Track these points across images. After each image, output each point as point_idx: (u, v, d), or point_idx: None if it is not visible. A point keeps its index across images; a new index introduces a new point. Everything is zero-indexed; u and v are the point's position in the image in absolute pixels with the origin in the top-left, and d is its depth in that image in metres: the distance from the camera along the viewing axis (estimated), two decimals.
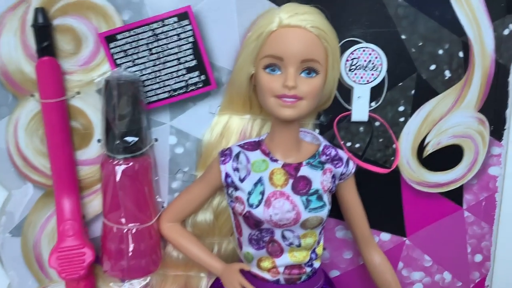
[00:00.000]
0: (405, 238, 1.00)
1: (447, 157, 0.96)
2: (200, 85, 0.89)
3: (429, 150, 0.95)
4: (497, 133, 0.94)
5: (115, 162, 0.86)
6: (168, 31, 0.86)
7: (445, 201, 0.98)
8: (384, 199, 0.97)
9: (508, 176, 0.97)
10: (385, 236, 1.00)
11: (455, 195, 0.98)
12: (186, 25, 0.86)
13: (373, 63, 0.88)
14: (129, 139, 0.85)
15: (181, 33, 0.86)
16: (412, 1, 0.87)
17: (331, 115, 0.92)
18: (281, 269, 0.85)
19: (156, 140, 0.92)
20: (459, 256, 1.02)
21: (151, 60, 0.88)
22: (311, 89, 0.78)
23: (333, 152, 0.86)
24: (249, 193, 0.82)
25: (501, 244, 1.02)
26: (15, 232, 0.94)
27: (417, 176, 0.96)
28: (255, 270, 0.87)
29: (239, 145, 0.86)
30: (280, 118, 0.79)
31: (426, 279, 1.03)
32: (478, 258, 1.02)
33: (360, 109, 0.91)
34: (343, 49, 0.88)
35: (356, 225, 0.92)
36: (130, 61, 0.87)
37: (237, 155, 0.85)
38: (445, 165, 0.96)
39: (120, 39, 0.86)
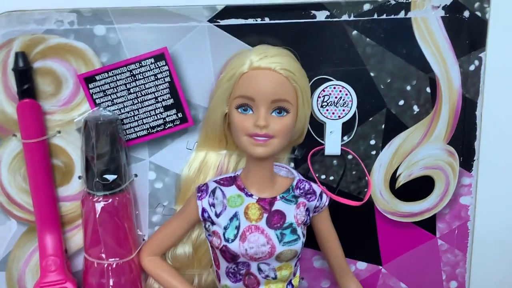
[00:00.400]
0: (381, 267, 1.02)
1: (419, 188, 0.98)
2: (178, 122, 0.92)
3: (401, 181, 0.97)
4: (466, 164, 0.97)
5: (95, 199, 0.87)
6: (146, 71, 0.89)
7: (418, 230, 1.00)
8: (359, 229, 0.99)
9: (479, 205, 1.00)
10: (361, 265, 1.01)
11: (428, 224, 1.00)
12: (163, 65, 0.88)
13: (343, 100, 0.91)
14: (108, 177, 0.87)
15: (158, 73, 0.89)
16: (380, 40, 0.90)
17: (305, 149, 0.94)
18: None
19: (136, 175, 0.94)
20: (434, 283, 1.03)
21: (129, 100, 0.90)
22: (282, 127, 0.80)
23: (306, 186, 0.88)
24: (225, 228, 0.84)
25: (475, 271, 1.03)
26: (0, 266, 0.96)
27: (391, 207, 0.98)
28: None
29: (215, 181, 0.88)
30: (253, 156, 0.82)
31: None
32: (453, 285, 1.03)
33: (333, 143, 0.93)
34: (315, 86, 0.90)
35: (331, 255, 0.94)
36: (109, 100, 0.90)
37: (213, 191, 0.87)
38: (418, 195, 0.98)
39: (99, 80, 0.89)
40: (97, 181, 0.87)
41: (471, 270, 1.03)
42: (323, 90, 0.90)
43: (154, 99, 0.91)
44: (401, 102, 0.93)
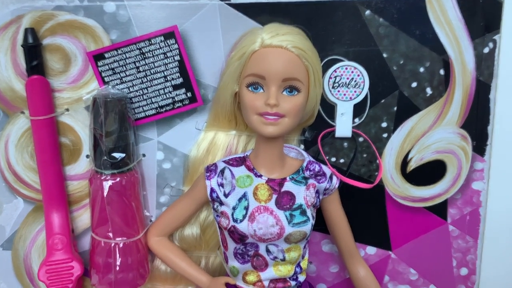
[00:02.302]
0: (390, 252, 1.01)
1: (431, 172, 0.96)
2: (187, 102, 0.91)
3: (412, 165, 0.96)
4: (479, 148, 0.96)
5: (103, 177, 0.87)
6: (155, 49, 0.88)
7: (429, 215, 0.99)
8: (370, 214, 0.98)
9: (491, 190, 0.98)
10: (371, 250, 1.00)
11: (440, 210, 0.99)
12: (173, 44, 0.88)
13: (355, 81, 0.90)
14: (117, 155, 0.87)
15: (167, 51, 0.88)
16: (393, 21, 0.89)
17: (316, 131, 0.93)
18: (266, 283, 0.87)
19: (144, 155, 0.94)
20: (444, 269, 1.02)
21: (138, 78, 0.90)
22: (293, 106, 0.80)
23: (316, 168, 0.88)
24: (234, 208, 0.84)
25: (486, 258, 1.02)
26: (6, 245, 0.96)
27: (402, 191, 0.97)
28: (240, 283, 0.88)
29: (224, 161, 0.88)
30: (263, 135, 0.81)
31: None
32: (464, 271, 1.02)
33: (344, 125, 0.92)
34: (326, 67, 0.89)
35: (341, 239, 0.94)
36: (118, 78, 0.90)
37: (222, 171, 0.86)
38: (429, 180, 0.97)
39: (108, 58, 0.88)
40: (105, 159, 0.86)
41: (482, 256, 1.02)
42: (335, 71, 0.89)
43: (163, 78, 0.90)
44: (414, 84, 0.92)
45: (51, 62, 0.88)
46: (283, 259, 0.86)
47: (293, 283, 0.88)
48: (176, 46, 0.88)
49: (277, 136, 0.81)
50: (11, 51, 0.88)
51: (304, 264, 0.90)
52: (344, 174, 0.95)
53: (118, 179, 0.87)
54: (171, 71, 0.90)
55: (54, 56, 0.88)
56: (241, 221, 0.83)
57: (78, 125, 0.91)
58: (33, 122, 0.87)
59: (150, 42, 0.88)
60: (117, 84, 0.90)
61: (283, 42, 0.78)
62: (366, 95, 0.91)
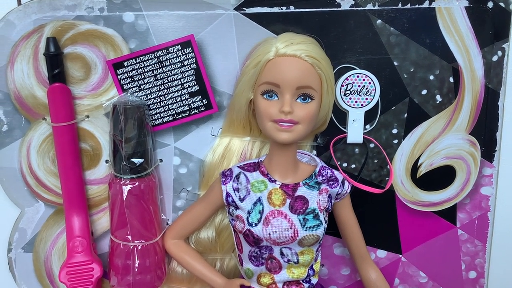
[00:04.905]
0: (401, 255, 1.03)
1: (440, 177, 0.98)
2: (203, 109, 0.94)
3: (422, 170, 0.98)
4: (488, 154, 0.97)
5: (122, 182, 0.90)
6: (172, 58, 0.91)
7: (439, 219, 1.01)
8: (380, 218, 1.00)
9: (500, 196, 1.00)
10: (382, 253, 1.03)
11: (449, 214, 1.01)
12: (189, 52, 0.90)
13: (366, 88, 0.92)
14: (135, 160, 0.89)
15: (184, 60, 0.91)
16: (404, 30, 0.91)
17: (328, 137, 0.95)
18: (280, 285, 0.89)
19: (161, 160, 0.96)
20: (453, 272, 1.04)
21: (156, 86, 0.92)
22: (307, 114, 0.82)
23: (329, 173, 0.90)
24: (249, 212, 0.86)
25: (494, 261, 1.04)
26: (27, 248, 0.98)
27: (412, 196, 0.99)
28: (255, 285, 0.90)
29: (239, 166, 0.90)
30: (277, 142, 0.83)
31: None
32: (473, 274, 1.04)
33: (355, 131, 0.94)
34: (338, 75, 0.91)
35: (352, 242, 0.96)
36: (136, 86, 0.92)
37: (238, 176, 0.89)
38: (438, 185, 0.99)
39: (127, 66, 0.91)
40: (125, 164, 0.89)
41: (491, 260, 1.04)
42: (347, 79, 0.92)
43: (180, 86, 0.92)
44: (424, 92, 0.94)
45: (72, 70, 0.91)
46: (297, 262, 0.88)
47: (306, 285, 0.90)
48: (192, 54, 0.91)
49: (291, 143, 0.84)
50: (33, 60, 0.90)
51: (316, 266, 0.92)
52: (356, 179, 0.97)
53: (136, 183, 0.90)
54: (187, 79, 0.92)
55: (75, 65, 0.91)
56: (256, 224, 0.85)
57: (98, 131, 0.94)
58: (54, 128, 0.90)
59: (168, 51, 0.90)
60: (135, 92, 0.92)
61: (297, 51, 0.80)
62: (377, 102, 0.93)
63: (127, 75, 0.91)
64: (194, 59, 0.91)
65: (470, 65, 0.93)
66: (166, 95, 0.93)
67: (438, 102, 0.95)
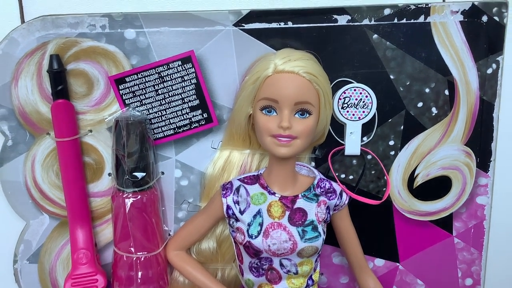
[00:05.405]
0: (398, 264, 1.04)
1: (437, 187, 1.00)
2: (203, 123, 0.95)
3: (419, 181, 1.00)
4: (483, 164, 0.99)
5: (125, 195, 0.91)
6: (173, 73, 0.92)
7: (435, 228, 1.02)
8: (378, 227, 1.02)
9: (495, 205, 1.02)
10: (379, 262, 1.04)
11: (445, 223, 1.02)
12: (189, 68, 0.92)
13: (363, 101, 0.94)
14: (138, 174, 0.91)
15: (184, 75, 0.93)
16: (400, 44, 0.92)
17: (326, 149, 0.97)
18: None
19: (162, 173, 0.98)
20: (450, 280, 1.06)
21: (157, 100, 0.94)
22: (305, 128, 0.83)
23: (327, 185, 0.91)
24: (249, 225, 0.88)
25: (490, 269, 1.06)
26: (32, 259, 1.00)
27: (408, 206, 1.01)
28: None
29: (239, 179, 0.92)
30: (276, 156, 0.85)
31: None
32: (469, 282, 1.06)
33: (353, 143, 0.96)
34: (336, 88, 0.93)
35: (350, 252, 0.97)
36: (138, 101, 0.94)
37: (238, 189, 0.90)
38: (435, 195, 1.01)
39: (129, 81, 0.93)
40: (127, 178, 0.91)
41: (487, 268, 1.06)
42: (344, 92, 0.93)
43: (180, 100, 0.94)
44: (420, 104, 0.96)
45: (75, 86, 0.92)
46: (296, 273, 0.89)
47: None
48: (192, 70, 0.92)
49: (289, 157, 0.85)
50: (37, 76, 0.92)
51: (315, 276, 0.93)
52: (353, 190, 0.98)
53: (139, 196, 0.91)
54: (188, 94, 0.94)
55: (78, 81, 0.92)
56: (256, 236, 0.87)
57: (101, 145, 0.96)
58: (58, 143, 0.92)
59: (168, 67, 0.92)
60: (137, 106, 0.94)
61: (295, 68, 0.82)
62: (374, 115, 0.95)
63: (129, 90, 0.93)
64: (194, 74, 0.93)
65: (465, 78, 0.95)
66: (167, 110, 0.95)
67: (434, 114, 0.96)
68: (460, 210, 1.02)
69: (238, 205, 0.89)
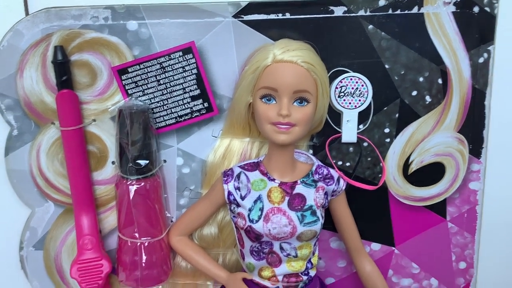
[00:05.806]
0: (394, 248, 1.07)
1: (431, 173, 1.02)
2: (204, 112, 0.97)
3: (413, 167, 1.02)
4: (476, 151, 1.02)
5: (129, 182, 0.94)
6: (174, 64, 0.94)
7: (430, 213, 1.05)
8: (374, 213, 1.04)
9: (487, 190, 1.04)
10: (376, 246, 1.07)
11: (439, 208, 1.05)
12: (190, 58, 0.94)
13: (359, 90, 0.96)
14: (141, 162, 0.93)
15: (185, 65, 0.95)
16: (394, 34, 0.95)
17: (323, 137, 0.99)
18: (280, 278, 0.93)
19: (165, 161, 1.00)
20: (444, 263, 1.08)
21: (159, 90, 0.96)
22: (303, 116, 0.86)
23: (325, 171, 0.94)
24: (250, 210, 0.90)
25: (483, 252, 1.08)
26: (38, 246, 1.02)
27: (403, 191, 1.03)
28: (256, 278, 0.94)
29: (240, 166, 0.94)
30: (276, 143, 0.87)
31: (414, 285, 1.09)
32: (462, 265, 1.08)
33: (349, 131, 0.98)
34: (333, 77, 0.95)
35: (348, 236, 1.00)
36: (140, 91, 0.96)
37: (238, 175, 0.93)
38: (429, 181, 1.03)
39: (131, 72, 0.94)
40: (131, 166, 0.93)
41: (479, 251, 1.08)
42: (341, 81, 0.95)
43: (182, 90, 0.96)
44: (414, 93, 0.98)
45: (79, 77, 0.94)
46: (296, 256, 0.92)
47: (304, 277, 0.94)
48: (193, 60, 0.94)
49: (288, 144, 0.88)
50: (41, 67, 0.93)
51: (314, 260, 0.96)
52: (350, 176, 1.01)
53: (142, 183, 0.93)
54: (189, 83, 0.96)
55: (82, 71, 0.94)
56: (256, 221, 0.89)
57: (104, 134, 0.97)
58: (63, 132, 0.93)
59: (170, 57, 0.94)
60: (139, 96, 0.96)
61: (293, 58, 0.84)
62: (370, 103, 0.97)
63: (131, 80, 0.95)
64: (195, 65, 0.94)
65: (458, 67, 0.97)
66: (169, 99, 0.97)
67: (427, 102, 0.99)
68: (453, 195, 1.04)
69: (239, 191, 0.92)
